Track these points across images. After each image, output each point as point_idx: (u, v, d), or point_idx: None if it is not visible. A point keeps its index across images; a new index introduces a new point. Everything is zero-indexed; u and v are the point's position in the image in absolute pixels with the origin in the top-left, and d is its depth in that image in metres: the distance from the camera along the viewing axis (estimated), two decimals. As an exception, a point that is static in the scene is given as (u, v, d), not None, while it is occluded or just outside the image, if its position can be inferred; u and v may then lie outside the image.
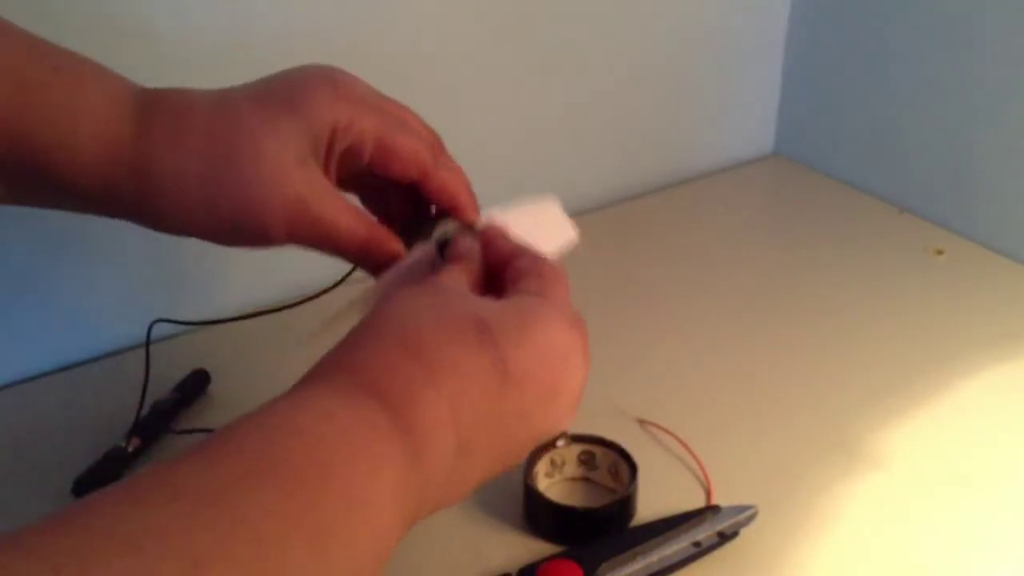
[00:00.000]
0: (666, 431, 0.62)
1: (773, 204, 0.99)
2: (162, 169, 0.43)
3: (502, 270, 0.44)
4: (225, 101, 0.45)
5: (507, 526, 0.56)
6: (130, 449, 0.60)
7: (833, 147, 0.97)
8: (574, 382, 0.40)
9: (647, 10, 0.88)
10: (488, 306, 0.39)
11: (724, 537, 0.53)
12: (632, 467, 0.56)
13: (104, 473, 0.58)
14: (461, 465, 0.36)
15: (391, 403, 0.34)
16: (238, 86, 0.46)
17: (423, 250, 0.47)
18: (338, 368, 0.36)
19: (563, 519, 0.55)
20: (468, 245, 0.45)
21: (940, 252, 0.83)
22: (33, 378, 0.70)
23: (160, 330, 0.63)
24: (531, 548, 0.54)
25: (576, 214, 0.90)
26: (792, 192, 0.97)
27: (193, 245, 0.47)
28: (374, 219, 0.47)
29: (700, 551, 0.53)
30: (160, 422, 0.62)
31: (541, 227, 0.48)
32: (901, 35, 0.87)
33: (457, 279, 0.42)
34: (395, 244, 0.47)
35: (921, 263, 0.82)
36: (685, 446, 0.61)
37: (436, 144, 0.49)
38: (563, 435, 0.58)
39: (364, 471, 0.32)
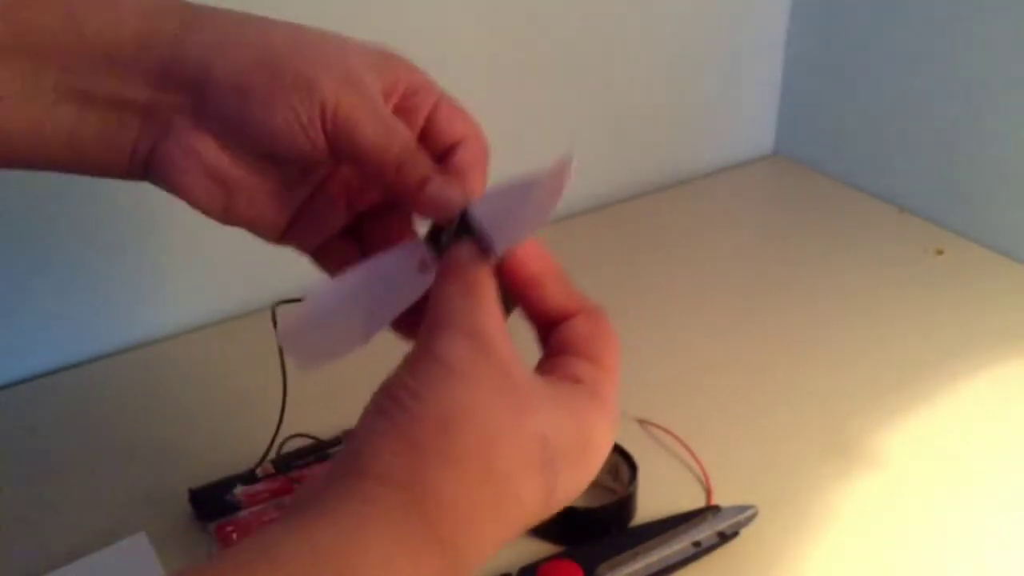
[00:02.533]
0: (666, 431, 0.62)
1: (773, 204, 0.99)
2: (215, 24, 0.40)
3: (551, 318, 0.40)
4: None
5: (507, 526, 0.55)
6: (259, 474, 0.57)
7: (833, 147, 0.97)
8: (588, 482, 0.38)
9: (647, 10, 0.88)
10: (548, 412, 0.35)
11: (724, 537, 0.53)
12: (632, 467, 0.56)
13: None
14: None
15: (454, 550, 0.32)
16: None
17: (407, 249, 0.41)
18: (412, 494, 0.32)
19: (563, 519, 0.54)
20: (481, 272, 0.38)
21: (940, 252, 0.83)
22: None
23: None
24: (531, 548, 0.54)
25: (576, 214, 0.91)
26: (792, 192, 0.97)
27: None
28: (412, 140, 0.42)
29: (700, 551, 0.53)
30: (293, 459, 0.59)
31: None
32: (901, 35, 0.87)
33: (501, 329, 0.36)
34: (426, 169, 0.41)
35: (921, 263, 0.82)
36: (685, 446, 0.61)
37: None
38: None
39: None
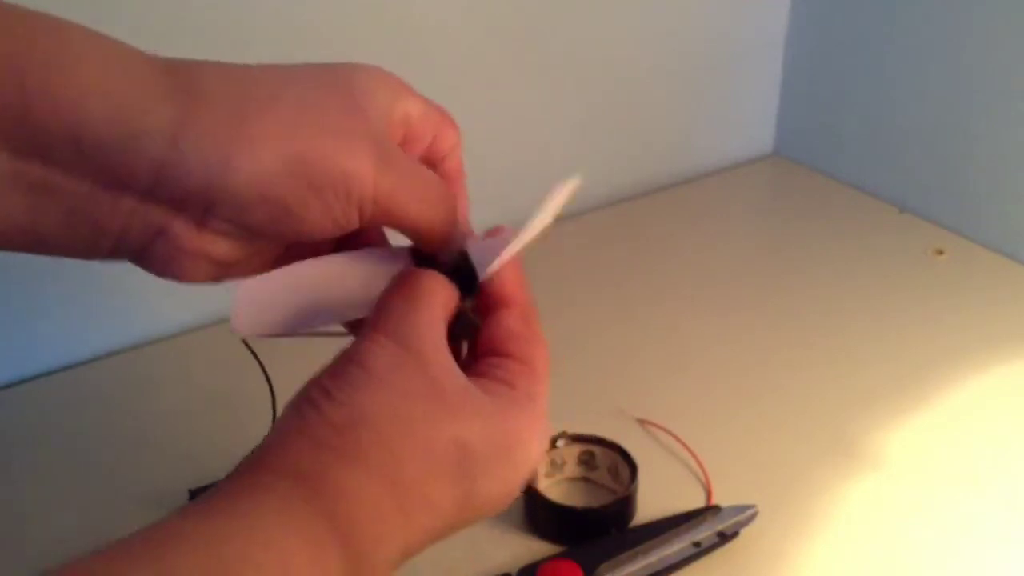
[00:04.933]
0: (666, 431, 0.62)
1: (773, 204, 0.99)
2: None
3: (492, 316, 0.39)
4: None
5: (507, 526, 0.56)
6: None
7: (833, 147, 0.97)
8: (519, 488, 0.37)
9: (647, 10, 0.88)
10: (473, 423, 0.34)
11: (724, 537, 0.53)
12: (632, 467, 0.56)
13: None
14: (390, 570, 0.34)
15: (354, 544, 0.31)
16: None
17: (392, 253, 0.41)
18: (311, 487, 0.31)
19: (563, 519, 0.55)
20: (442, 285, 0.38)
21: (940, 252, 0.83)
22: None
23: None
24: (531, 548, 0.54)
25: (576, 214, 0.91)
26: (792, 192, 0.97)
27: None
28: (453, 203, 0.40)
29: (700, 551, 0.53)
30: None
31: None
32: (901, 35, 0.87)
33: (436, 337, 0.35)
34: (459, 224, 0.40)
35: (921, 263, 0.82)
36: (685, 446, 0.61)
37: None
38: (563, 435, 0.58)
39: None
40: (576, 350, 0.71)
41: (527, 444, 0.36)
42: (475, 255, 0.40)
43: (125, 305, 0.71)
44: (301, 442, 0.32)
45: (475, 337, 0.39)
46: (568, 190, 0.41)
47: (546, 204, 0.40)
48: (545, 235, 0.40)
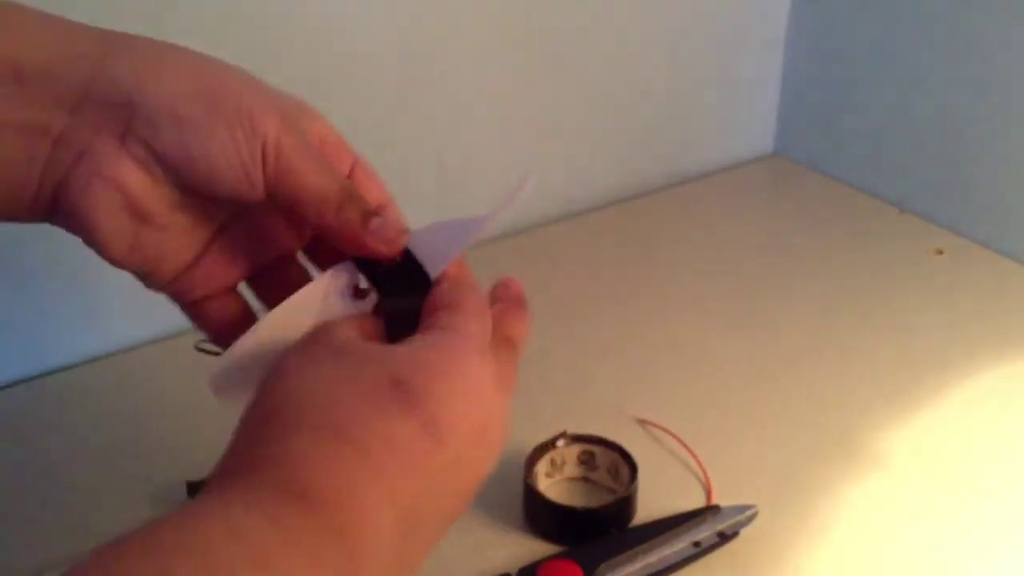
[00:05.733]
0: (666, 431, 0.62)
1: (773, 204, 0.99)
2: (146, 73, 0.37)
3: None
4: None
5: (507, 526, 0.56)
6: None
7: (833, 147, 0.97)
8: (497, 416, 0.36)
9: (647, 10, 0.88)
10: (396, 359, 0.34)
11: (724, 537, 0.53)
12: (632, 467, 0.56)
13: None
14: (408, 544, 0.33)
15: (323, 503, 0.30)
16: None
17: (333, 273, 0.41)
18: (249, 466, 0.31)
19: (563, 519, 0.55)
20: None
21: (940, 252, 0.83)
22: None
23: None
24: (531, 548, 0.54)
25: (576, 214, 0.91)
26: (792, 192, 0.97)
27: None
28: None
29: (700, 551, 0.53)
30: None
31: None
32: (901, 35, 0.87)
33: (347, 328, 0.37)
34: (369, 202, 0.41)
35: (921, 263, 0.82)
36: (685, 446, 0.61)
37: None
38: (563, 435, 0.58)
39: None
40: (576, 350, 0.71)
41: (469, 367, 0.35)
42: (420, 252, 0.40)
43: (125, 305, 0.71)
44: (239, 447, 0.33)
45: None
46: (526, 188, 0.40)
47: (504, 201, 0.40)
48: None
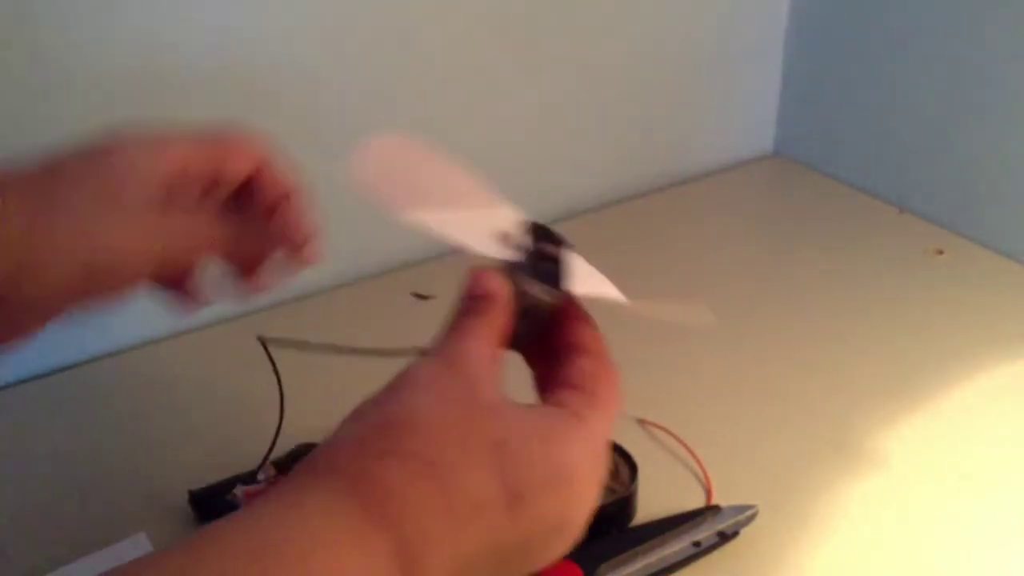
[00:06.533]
0: (666, 431, 0.62)
1: (773, 204, 0.99)
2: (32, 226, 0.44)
3: (560, 349, 0.40)
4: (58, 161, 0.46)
5: (507, 526, 0.55)
6: (261, 478, 0.57)
7: (833, 147, 0.97)
8: (583, 513, 0.36)
9: (647, 11, 0.88)
10: (512, 421, 0.35)
11: (724, 537, 0.53)
12: (632, 467, 0.56)
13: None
14: None
15: (403, 539, 0.32)
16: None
17: (503, 212, 0.42)
18: (353, 480, 0.33)
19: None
20: (502, 294, 0.40)
21: (940, 252, 0.83)
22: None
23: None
24: (531, 548, 0.54)
25: (576, 214, 0.91)
26: (792, 192, 0.97)
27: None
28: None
29: (700, 551, 0.53)
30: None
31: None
32: (901, 35, 0.87)
33: (482, 354, 0.37)
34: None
35: (921, 263, 0.82)
36: (685, 446, 0.61)
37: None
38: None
39: None
40: (576, 350, 0.71)
41: (577, 459, 0.36)
42: (576, 267, 0.42)
43: (125, 305, 0.71)
44: (345, 444, 0.34)
45: (545, 325, 0.40)
46: (693, 319, 0.43)
47: (665, 310, 0.43)
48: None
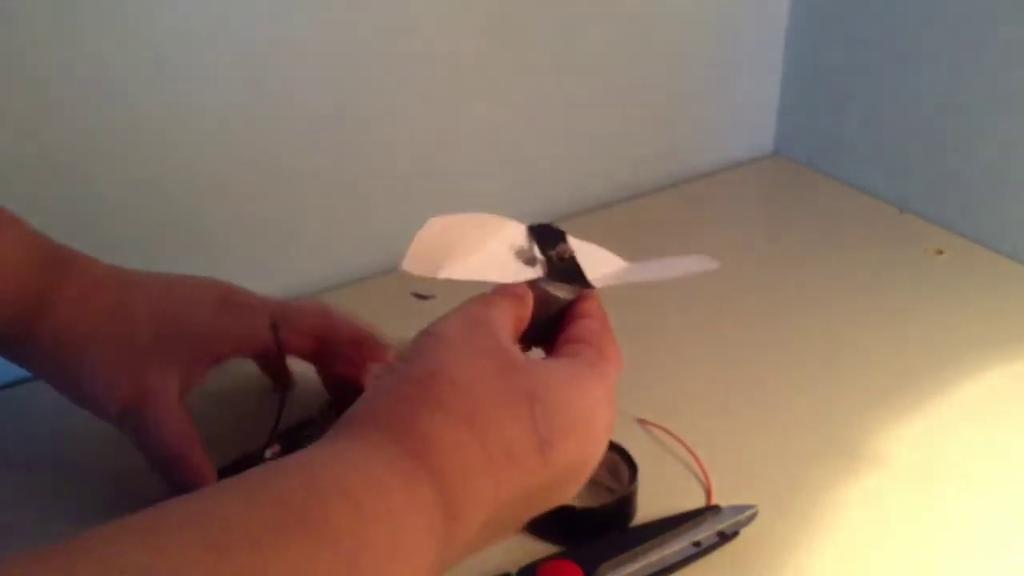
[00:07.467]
0: (666, 431, 0.62)
1: (773, 204, 0.99)
2: (58, 322, 0.50)
3: (568, 318, 0.43)
4: (126, 295, 0.52)
5: (507, 526, 0.55)
6: (268, 456, 0.56)
7: (833, 147, 0.97)
8: (598, 455, 0.39)
9: (647, 10, 0.88)
10: (540, 373, 0.38)
11: (724, 537, 0.53)
12: (632, 467, 0.56)
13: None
14: (480, 537, 0.36)
15: (446, 488, 0.33)
16: (142, 274, 0.53)
17: (524, 231, 0.45)
18: (396, 431, 0.34)
19: (563, 519, 0.54)
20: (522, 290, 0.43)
21: (940, 252, 0.83)
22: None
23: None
24: (531, 548, 0.54)
25: (577, 214, 0.91)
26: (792, 192, 0.97)
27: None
28: (197, 448, 0.52)
29: (700, 551, 0.53)
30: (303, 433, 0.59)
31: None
32: (901, 35, 0.87)
33: (506, 321, 0.40)
34: (204, 475, 0.51)
35: (921, 263, 0.82)
36: (685, 446, 0.61)
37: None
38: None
39: (400, 558, 0.31)
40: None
41: (594, 404, 0.38)
42: (583, 257, 0.45)
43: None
44: (384, 398, 0.36)
45: (559, 314, 0.43)
46: (697, 266, 0.45)
47: (671, 265, 0.46)
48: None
